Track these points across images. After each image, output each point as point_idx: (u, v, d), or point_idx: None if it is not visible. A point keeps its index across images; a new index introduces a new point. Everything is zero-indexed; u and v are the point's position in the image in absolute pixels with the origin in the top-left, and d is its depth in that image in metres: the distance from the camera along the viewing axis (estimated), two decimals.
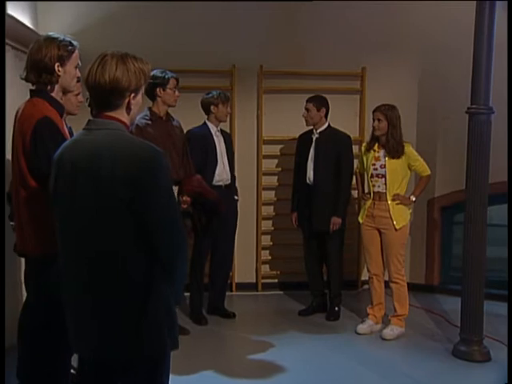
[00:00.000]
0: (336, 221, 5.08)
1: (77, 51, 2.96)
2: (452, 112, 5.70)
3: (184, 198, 4.45)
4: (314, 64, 5.88)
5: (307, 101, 5.16)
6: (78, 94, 3.50)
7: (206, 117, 5.12)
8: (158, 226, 2.18)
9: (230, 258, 5.39)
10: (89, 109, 2.38)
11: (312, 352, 4.58)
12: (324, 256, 5.32)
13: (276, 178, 6.11)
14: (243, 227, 5.59)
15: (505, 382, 3.29)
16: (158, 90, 4.50)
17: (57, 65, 2.88)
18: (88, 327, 2.26)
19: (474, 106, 4.27)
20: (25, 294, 3.17)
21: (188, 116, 5.07)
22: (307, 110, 5.15)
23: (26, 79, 2.95)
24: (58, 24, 5.30)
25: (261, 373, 4.17)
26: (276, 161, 6.09)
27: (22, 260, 3.25)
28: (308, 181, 5.20)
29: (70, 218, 2.23)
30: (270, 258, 6.19)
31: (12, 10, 4.48)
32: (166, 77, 4.52)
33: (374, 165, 4.83)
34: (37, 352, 2.96)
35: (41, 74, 2.88)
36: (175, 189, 4.35)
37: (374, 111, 4.83)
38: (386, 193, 4.78)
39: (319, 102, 5.13)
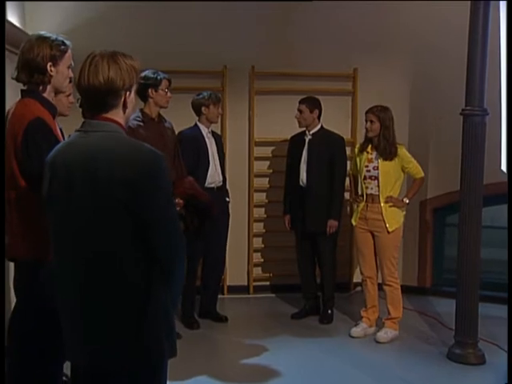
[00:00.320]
0: (332, 224, 5.05)
1: (70, 51, 2.90)
2: (444, 113, 5.71)
3: (176, 201, 4.39)
4: (306, 65, 5.85)
5: (300, 102, 5.12)
6: (69, 95, 3.43)
7: (197, 118, 5.06)
8: (157, 227, 2.15)
9: (222, 261, 5.32)
10: (80, 110, 2.34)
11: (306, 356, 4.54)
12: (317, 258, 5.29)
13: (268, 179, 6.06)
14: (235, 229, 5.53)
15: (505, 381, 3.28)
16: (150, 90, 4.43)
17: (49, 64, 2.82)
18: (84, 331, 2.20)
19: (468, 108, 4.26)
20: (14, 299, 3.09)
21: (178, 117, 5.01)
22: (300, 111, 5.10)
23: (17, 79, 2.87)
24: (46, 24, 5.19)
25: (255, 377, 4.13)
26: (268, 162, 6.05)
27: (11, 264, 3.17)
28: (301, 183, 5.15)
29: (65, 219, 2.18)
30: (261, 260, 6.14)
31: None
32: (159, 78, 4.46)
33: (367, 166, 4.80)
34: (27, 359, 2.88)
35: (33, 73, 2.81)
36: None
37: (366, 112, 4.81)
38: (379, 195, 4.75)
39: (312, 104, 5.09)
